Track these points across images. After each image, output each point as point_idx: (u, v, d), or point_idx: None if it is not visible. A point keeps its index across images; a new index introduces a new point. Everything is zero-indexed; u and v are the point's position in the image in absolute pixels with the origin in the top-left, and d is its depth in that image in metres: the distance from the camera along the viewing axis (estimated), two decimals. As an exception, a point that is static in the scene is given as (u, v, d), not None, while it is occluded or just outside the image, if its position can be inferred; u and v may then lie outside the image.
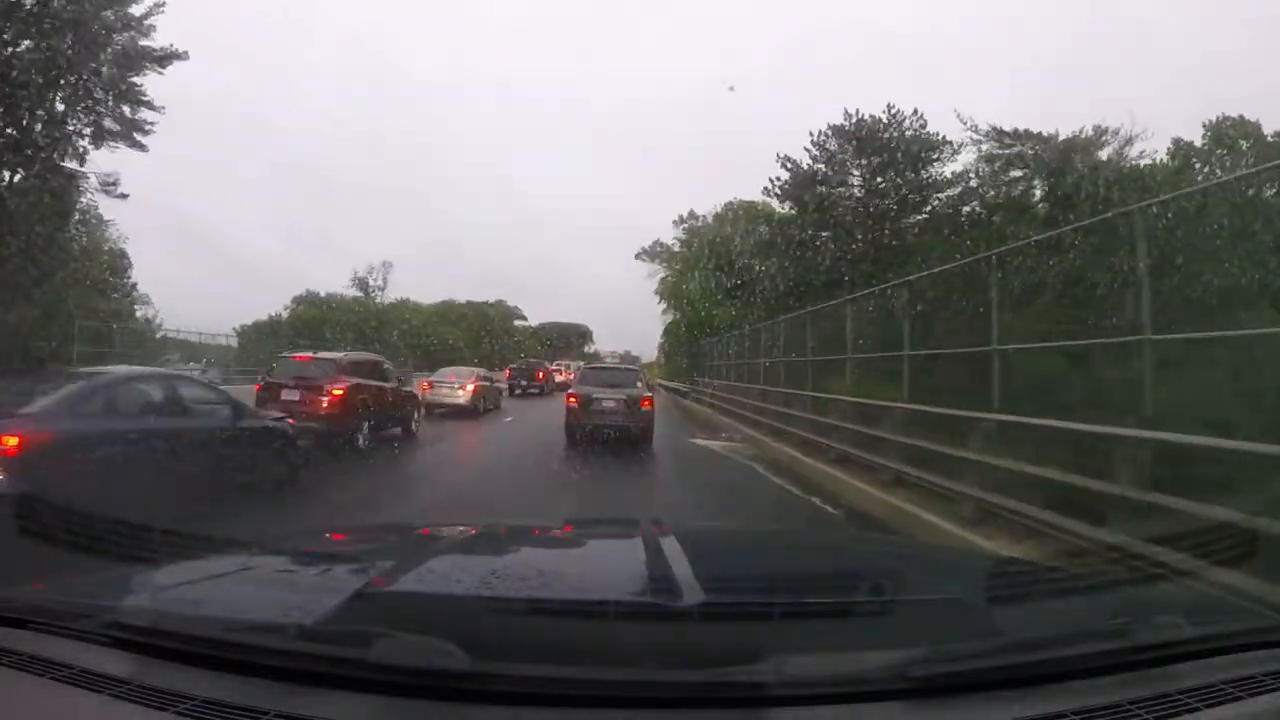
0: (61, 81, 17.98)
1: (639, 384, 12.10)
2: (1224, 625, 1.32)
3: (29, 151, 17.52)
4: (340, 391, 10.14)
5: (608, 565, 1.89)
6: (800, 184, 26.69)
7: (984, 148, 23.57)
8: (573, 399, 11.69)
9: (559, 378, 32.23)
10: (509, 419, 18.30)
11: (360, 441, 10.27)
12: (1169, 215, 6.94)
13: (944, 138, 24.86)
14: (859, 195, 25.96)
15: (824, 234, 25.38)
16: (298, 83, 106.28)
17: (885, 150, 25.52)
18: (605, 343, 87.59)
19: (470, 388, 18.01)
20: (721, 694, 0.98)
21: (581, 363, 32.63)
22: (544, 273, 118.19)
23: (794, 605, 1.34)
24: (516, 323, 79.38)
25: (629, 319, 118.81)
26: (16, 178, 17.87)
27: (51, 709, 1.00)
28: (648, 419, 11.49)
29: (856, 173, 26.12)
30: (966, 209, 24.23)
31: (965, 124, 23.28)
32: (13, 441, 4.41)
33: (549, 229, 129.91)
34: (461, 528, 2.22)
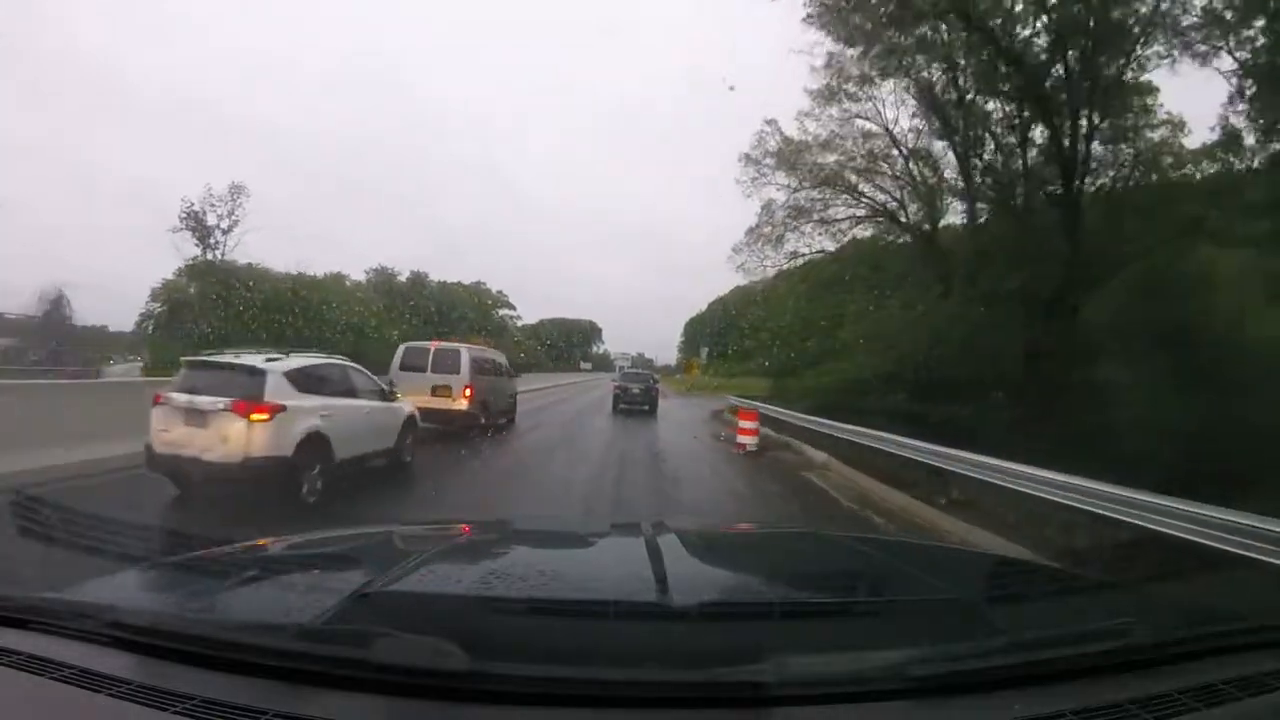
0: None
1: (651, 381, 23.32)
2: (1224, 625, 1.32)
3: None
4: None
5: (608, 565, 1.89)
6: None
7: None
8: (617, 389, 22.24)
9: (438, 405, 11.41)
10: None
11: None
12: None
13: None
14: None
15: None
16: (293, 75, 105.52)
17: None
18: (616, 344, 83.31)
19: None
20: (722, 694, 0.98)
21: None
22: (551, 275, 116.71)
23: (794, 605, 1.34)
24: (502, 312, 63.73)
25: (639, 322, 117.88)
26: None
27: (51, 709, 1.00)
28: (654, 398, 22.20)
29: None
30: None
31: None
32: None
33: (557, 231, 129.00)
34: (462, 528, 2.22)
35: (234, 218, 31.16)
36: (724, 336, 65.61)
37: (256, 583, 1.46)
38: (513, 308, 67.05)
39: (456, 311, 52.00)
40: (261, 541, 1.84)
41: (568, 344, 76.56)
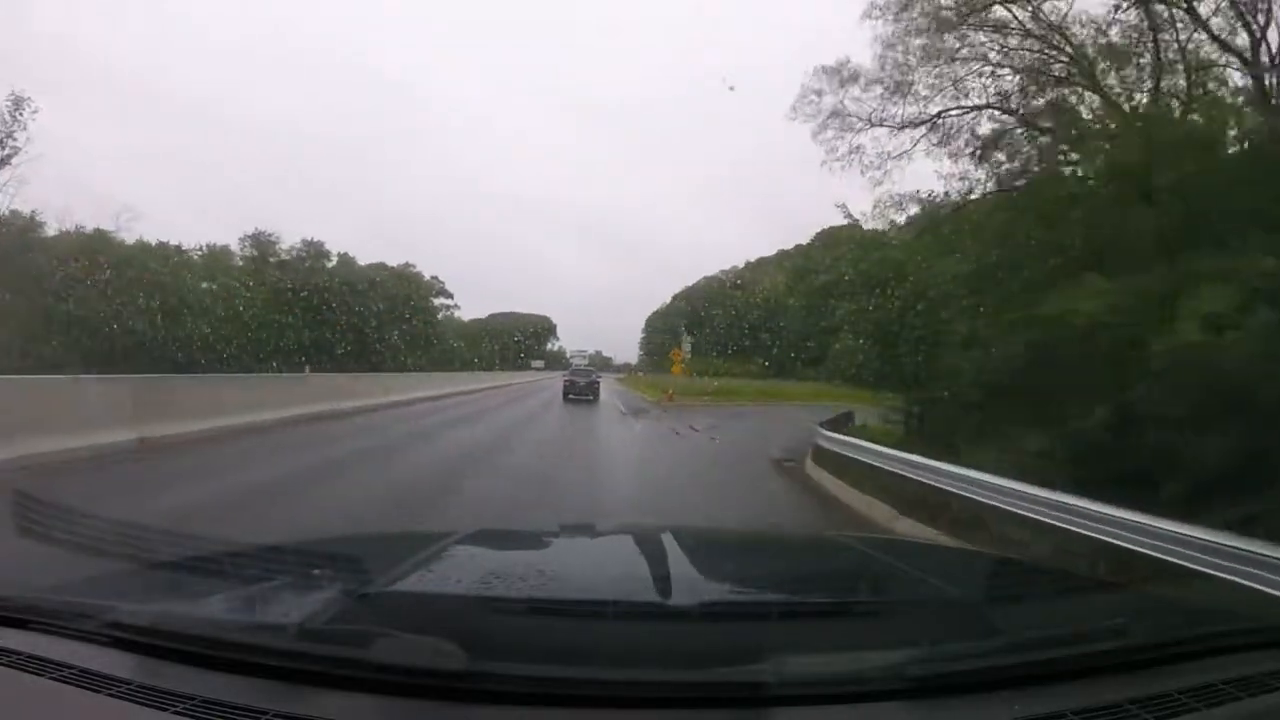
0: None
1: (593, 376, 29.35)
2: (1224, 625, 1.32)
3: None
4: None
5: (608, 565, 1.89)
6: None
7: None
8: (566, 382, 28.03)
9: None
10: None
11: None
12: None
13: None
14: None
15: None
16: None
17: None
18: (574, 342, 79.99)
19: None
20: (721, 694, 0.98)
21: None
22: (506, 272, 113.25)
23: (794, 605, 1.34)
24: (439, 301, 52.55)
25: (598, 321, 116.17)
26: None
27: (51, 709, 1.00)
28: (597, 389, 28.00)
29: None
30: None
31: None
32: None
33: (515, 227, 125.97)
34: (462, 530, 2.22)
35: (13, 144, 20.61)
36: (721, 328, 58.32)
37: (256, 583, 1.46)
38: (450, 296, 55.74)
39: (367, 295, 37.66)
40: (262, 542, 1.84)
41: (519, 341, 69.78)
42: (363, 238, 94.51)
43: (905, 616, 1.35)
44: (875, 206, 11.63)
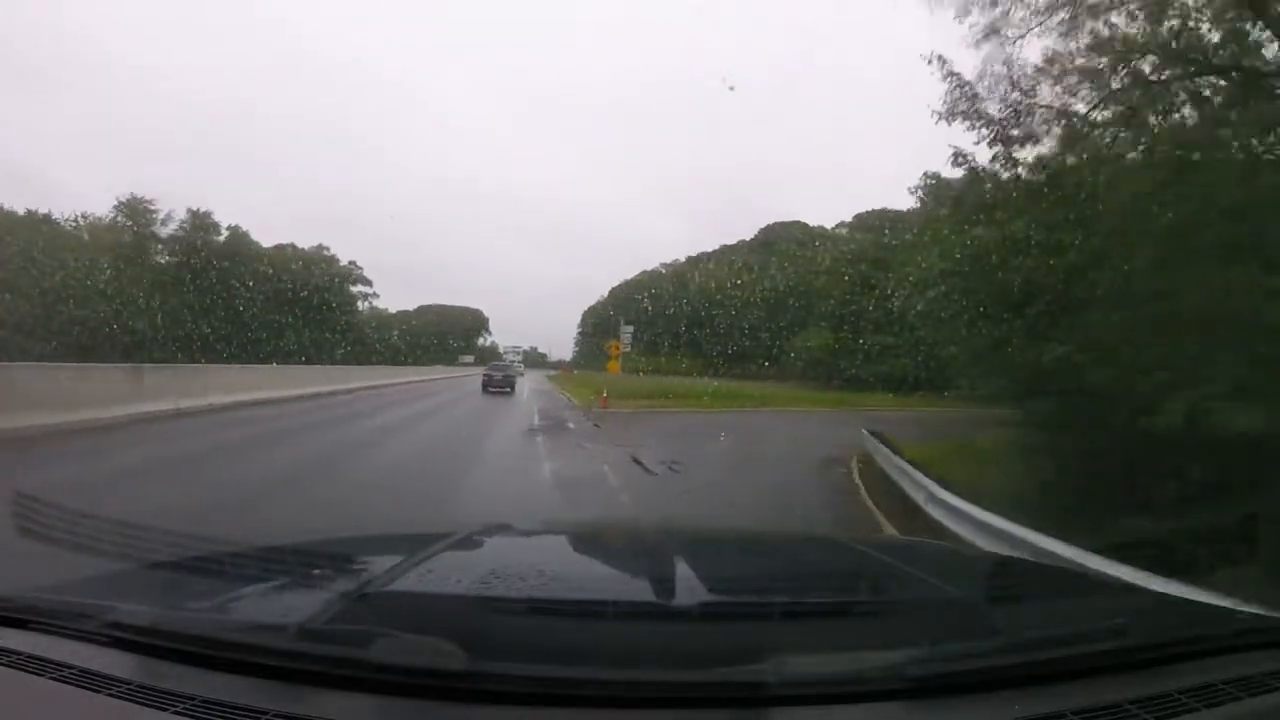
0: None
1: (510, 372, 32.74)
2: (1224, 625, 1.32)
3: None
4: None
5: (608, 565, 1.89)
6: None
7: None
8: (485, 376, 30.47)
9: None
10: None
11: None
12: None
13: None
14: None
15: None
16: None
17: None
18: (508, 337, 75.30)
19: None
20: (721, 694, 0.98)
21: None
22: (441, 265, 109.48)
23: (794, 605, 1.34)
24: (357, 289, 49.15)
25: (537, 316, 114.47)
26: None
27: (51, 709, 1.00)
28: (513, 382, 31.06)
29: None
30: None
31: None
32: None
33: (449, 217, 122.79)
34: (461, 529, 2.23)
35: None
36: (725, 331, 53.80)
37: (256, 583, 1.46)
38: (369, 284, 51.64)
39: (264, 276, 32.28)
40: (262, 542, 1.84)
41: (448, 335, 66.48)
42: (283, 223, 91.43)
43: (905, 616, 1.35)
44: (981, 79, 7.15)
